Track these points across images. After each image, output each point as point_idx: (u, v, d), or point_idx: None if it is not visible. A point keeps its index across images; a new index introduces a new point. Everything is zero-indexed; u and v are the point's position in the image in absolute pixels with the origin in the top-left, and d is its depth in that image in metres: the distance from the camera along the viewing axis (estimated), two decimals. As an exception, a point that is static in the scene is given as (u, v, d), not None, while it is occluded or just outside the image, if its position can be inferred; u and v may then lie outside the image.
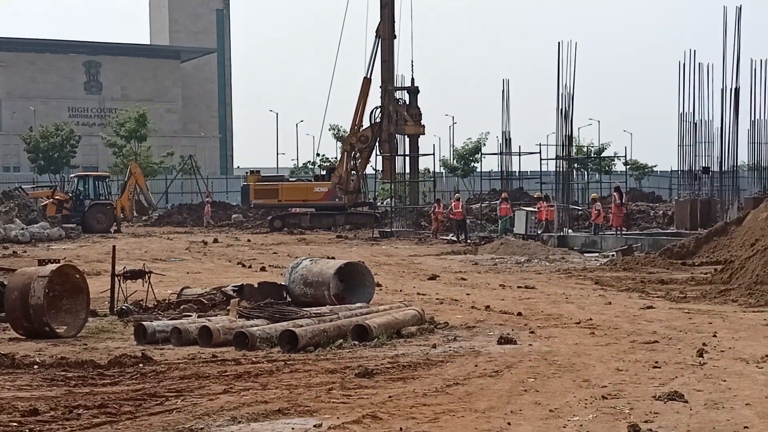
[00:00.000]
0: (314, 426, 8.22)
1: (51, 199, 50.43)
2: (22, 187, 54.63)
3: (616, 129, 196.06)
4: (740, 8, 37.33)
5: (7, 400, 9.36)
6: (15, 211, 43.32)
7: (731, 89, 38.13)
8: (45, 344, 13.20)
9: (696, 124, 39.80)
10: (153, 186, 69.83)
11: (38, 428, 8.29)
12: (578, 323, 14.75)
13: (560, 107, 38.64)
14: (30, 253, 32.49)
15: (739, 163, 42.93)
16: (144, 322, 13.69)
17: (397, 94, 52.49)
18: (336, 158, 67.13)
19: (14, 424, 8.42)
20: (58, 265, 14.96)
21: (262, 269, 25.58)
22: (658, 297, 18.44)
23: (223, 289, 17.21)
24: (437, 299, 18.25)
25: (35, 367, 11.32)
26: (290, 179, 64.02)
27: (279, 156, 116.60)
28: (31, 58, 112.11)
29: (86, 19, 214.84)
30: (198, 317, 14.45)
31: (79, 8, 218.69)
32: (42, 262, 15.92)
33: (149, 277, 17.40)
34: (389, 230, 45.14)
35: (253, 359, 11.78)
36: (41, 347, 12.93)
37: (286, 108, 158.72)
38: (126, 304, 16.32)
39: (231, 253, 32.76)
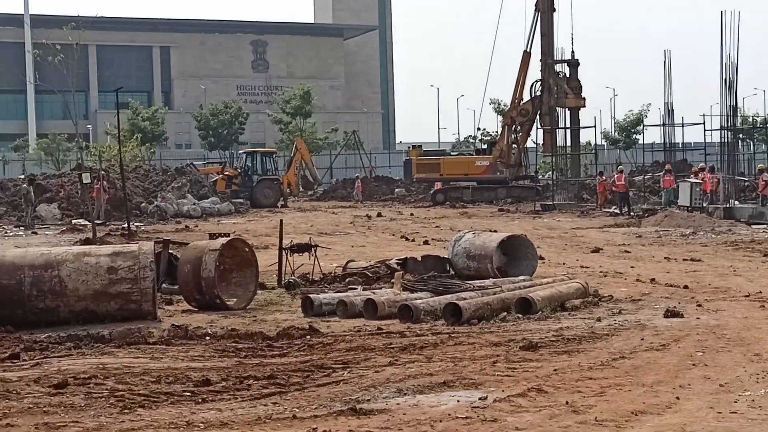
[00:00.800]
0: (479, 398, 8.24)
1: (221, 175, 51.91)
2: (194, 163, 56.56)
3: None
4: None
5: (181, 370, 9.69)
6: (187, 186, 44.83)
7: None
8: (216, 316, 13.65)
9: None
10: (318, 161, 71.01)
11: (210, 398, 8.53)
12: (747, 296, 14.30)
13: (724, 77, 37.30)
14: (201, 228, 33.62)
15: None
16: (311, 295, 13.99)
17: (557, 67, 51.73)
18: (497, 132, 66.76)
19: (187, 393, 8.70)
20: (229, 239, 15.45)
21: (425, 243, 25.71)
22: (836, 271, 17.67)
23: (387, 262, 17.41)
24: (601, 272, 17.98)
25: (207, 338, 11.68)
26: (451, 153, 64.01)
27: (440, 131, 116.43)
28: (200, 39, 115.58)
29: (252, 0, 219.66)
30: (363, 290, 14.66)
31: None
32: (213, 236, 16.47)
33: (315, 251, 17.75)
34: (551, 203, 44.63)
35: (418, 332, 11.88)
36: (212, 319, 13.37)
37: (446, 83, 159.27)
38: (293, 277, 16.70)
39: (394, 227, 33.06)
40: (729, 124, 37.72)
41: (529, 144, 55.81)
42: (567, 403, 8.04)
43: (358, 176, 63.68)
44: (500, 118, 69.05)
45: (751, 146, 69.58)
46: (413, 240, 26.97)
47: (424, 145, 63.50)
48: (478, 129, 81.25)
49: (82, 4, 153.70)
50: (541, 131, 52.16)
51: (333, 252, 21.54)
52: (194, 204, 42.39)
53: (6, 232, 33.40)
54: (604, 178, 43.40)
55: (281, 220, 19.72)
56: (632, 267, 18.94)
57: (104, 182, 39.24)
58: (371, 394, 8.53)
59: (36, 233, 32.90)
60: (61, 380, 9.08)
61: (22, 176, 46.24)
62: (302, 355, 10.54)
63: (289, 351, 10.83)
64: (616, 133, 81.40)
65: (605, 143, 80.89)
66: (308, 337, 11.62)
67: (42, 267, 13.00)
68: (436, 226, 33.26)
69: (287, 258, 17.42)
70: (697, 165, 41.26)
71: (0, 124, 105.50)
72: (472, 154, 59.16)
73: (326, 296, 14.00)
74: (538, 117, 51.85)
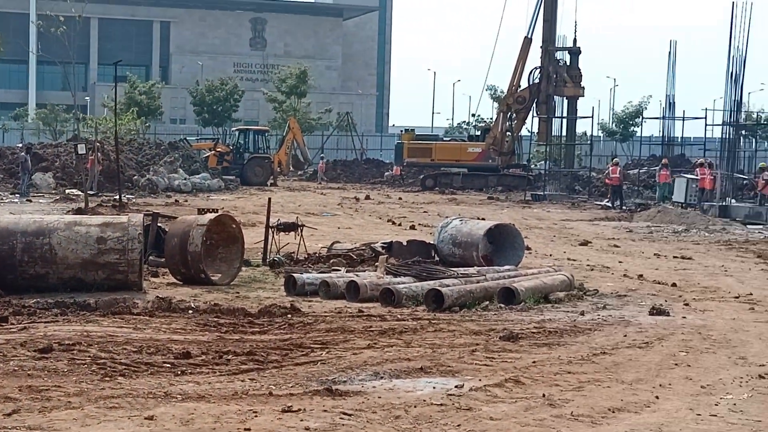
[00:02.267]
0: (455, 386, 8.20)
1: (213, 151, 51.76)
2: (187, 138, 56.34)
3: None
4: None
5: (162, 341, 9.75)
6: (179, 161, 44.72)
7: None
8: (200, 290, 13.63)
9: None
10: (310, 142, 70.83)
11: (189, 371, 8.61)
12: (737, 297, 14.25)
13: (731, 70, 37.14)
14: (190, 203, 33.53)
15: None
16: (294, 274, 13.94)
17: (558, 55, 51.61)
18: (492, 119, 66.65)
19: (167, 365, 8.80)
20: (216, 214, 15.42)
21: (412, 227, 25.67)
22: (823, 274, 17.65)
23: (372, 245, 17.36)
24: (588, 266, 17.94)
25: (190, 312, 11.71)
26: (444, 139, 63.86)
27: (434, 115, 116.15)
28: (200, 15, 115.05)
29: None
30: (347, 272, 14.61)
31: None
32: (201, 212, 16.44)
33: (302, 231, 17.72)
34: (542, 193, 44.57)
35: (398, 316, 11.84)
36: (196, 293, 13.35)
37: (443, 67, 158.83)
38: (278, 256, 16.66)
39: (382, 210, 33.01)
40: (732, 119, 37.58)
41: (524, 132, 55.72)
42: (544, 396, 8.00)
43: (323, 157, 63.60)
44: (496, 104, 68.96)
45: (754, 143, 69.40)
46: (400, 224, 26.92)
47: (417, 130, 63.35)
48: (473, 115, 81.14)
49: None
50: (536, 120, 52.04)
51: (319, 233, 21.50)
52: (185, 179, 42.32)
53: (1, 199, 33.47)
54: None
55: (269, 199, 19.62)
56: (620, 262, 18.89)
57: (98, 154, 39.20)
58: (348, 376, 8.52)
59: (30, 201, 33.05)
60: (46, 345, 9.26)
61: (20, 144, 46.25)
62: (282, 334, 10.52)
63: (270, 329, 10.82)
64: (614, 125, 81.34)
65: (602, 134, 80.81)
66: (289, 315, 11.62)
67: (34, 234, 13.21)
68: (424, 212, 33.21)
69: (273, 236, 17.37)
70: (698, 160, 40.94)
71: (2, 93, 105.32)
72: (465, 140, 59.02)
73: (309, 276, 13.95)
74: (534, 105, 51.72)
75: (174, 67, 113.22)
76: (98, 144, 41.21)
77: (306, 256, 16.94)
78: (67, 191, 36.88)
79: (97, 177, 38.23)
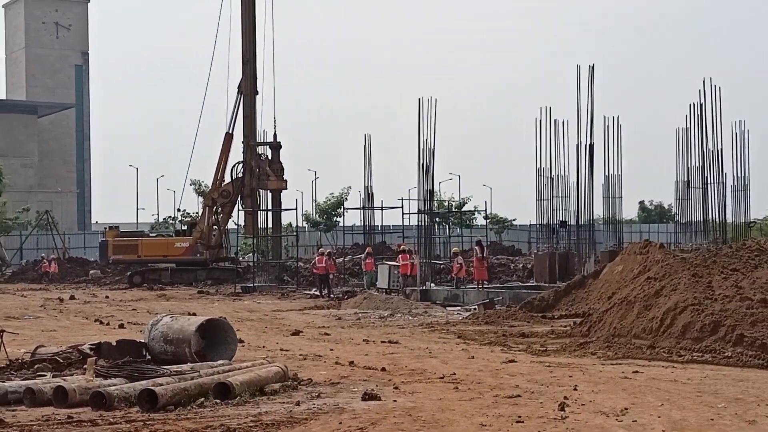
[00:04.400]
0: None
1: None
2: None
3: (476, 183, 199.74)
4: (593, 67, 38.71)
5: None
6: None
7: (586, 145, 39.34)
8: None
9: (553, 179, 40.85)
10: (7, 242, 67.61)
11: None
12: (442, 378, 14.79)
13: (422, 162, 39.25)
14: None
15: (595, 217, 44.21)
16: (-5, 384, 13.10)
17: (260, 149, 52.33)
18: (197, 213, 66.27)
19: None
20: None
21: (121, 326, 24.93)
22: (519, 350, 18.71)
23: (79, 347, 16.64)
24: (301, 355, 18.08)
25: None
26: (150, 234, 62.85)
27: (139, 211, 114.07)
28: None
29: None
30: (53, 377, 13.92)
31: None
32: None
33: (2, 336, 16.74)
34: (252, 285, 44.73)
35: (111, 420, 11.41)
36: None
37: (146, 163, 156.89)
38: (-25, 365, 15.61)
39: (88, 310, 31.85)
40: (426, 207, 39.52)
41: (230, 225, 55.79)
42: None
43: (51, 257, 61.18)
44: (201, 199, 68.69)
45: (447, 229, 73.15)
46: (108, 324, 26.08)
47: (122, 226, 61.96)
48: (179, 210, 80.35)
49: None
50: (242, 213, 52.30)
51: (21, 337, 20.48)
52: None
53: None
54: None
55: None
56: (332, 350, 19.17)
57: None
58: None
59: None
60: None
61: None
62: (-17, 450, 9.83)
63: (-31, 445, 10.08)
64: (318, 216, 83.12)
65: (306, 225, 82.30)
66: (-9, 429, 10.88)
67: None
68: (133, 309, 32.38)
69: (-30, 344, 16.29)
70: (400, 246, 42.45)
71: None
72: (172, 235, 58.33)
73: (12, 383, 13.17)
74: (239, 198, 51.99)
75: None
76: None
77: (8, 362, 15.98)
78: None
79: None
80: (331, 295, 38.27)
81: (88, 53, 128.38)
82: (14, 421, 11.40)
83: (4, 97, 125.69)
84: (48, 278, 56.45)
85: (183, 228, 60.64)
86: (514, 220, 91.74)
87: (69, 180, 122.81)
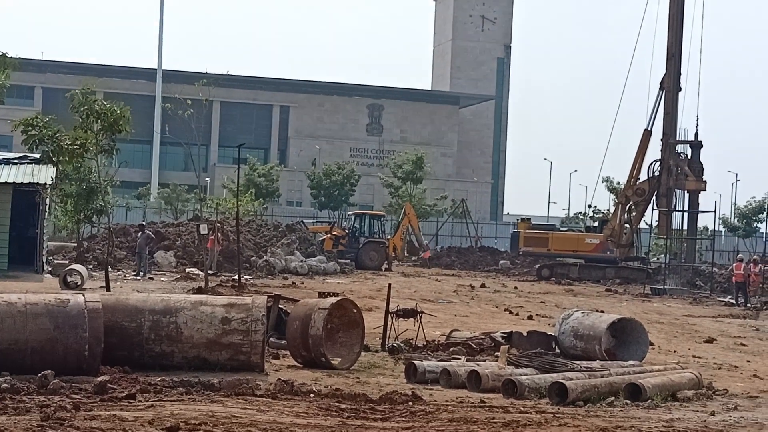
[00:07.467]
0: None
1: (329, 234, 52.25)
2: (304, 221, 57.12)
3: None
4: None
5: (285, 425, 9.76)
6: (296, 243, 45.25)
7: None
8: (321, 374, 13.64)
9: None
10: (424, 228, 70.99)
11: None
12: None
13: None
14: (307, 285, 33.81)
15: None
16: (415, 362, 13.85)
17: (679, 148, 50.92)
18: (608, 210, 65.83)
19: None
20: (338, 299, 15.47)
21: (530, 318, 25.33)
22: None
23: (492, 334, 17.19)
24: (715, 364, 17.38)
25: (312, 395, 11.70)
26: (561, 229, 63.32)
27: (550, 205, 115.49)
28: (319, 100, 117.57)
29: (371, 65, 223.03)
30: (467, 361, 14.46)
31: (365, 53, 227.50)
32: (322, 295, 16.51)
33: (421, 317, 17.64)
34: (662, 287, 43.60)
35: (521, 408, 11.62)
36: (317, 377, 13.36)
37: (560, 157, 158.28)
38: (397, 342, 16.60)
39: (498, 299, 32.69)
40: None
41: (642, 225, 54.84)
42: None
43: (428, 246, 63.79)
44: (613, 196, 68.20)
45: None
46: (517, 314, 26.60)
47: (532, 219, 62.95)
48: (589, 206, 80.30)
49: (211, 62, 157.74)
50: (656, 212, 51.22)
51: (436, 320, 21.37)
52: (302, 261, 42.69)
53: (125, 277, 34.23)
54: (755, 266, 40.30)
55: (389, 284, 19.67)
56: (748, 361, 18.25)
57: (219, 234, 39.76)
58: (474, 469, 8.34)
59: (152, 279, 33.76)
60: (173, 424, 9.42)
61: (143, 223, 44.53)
62: (404, 422, 10.41)
63: (392, 416, 10.72)
64: (736, 220, 79.55)
65: (724, 229, 79.04)
66: (411, 403, 11.51)
67: (161, 312, 13.44)
68: (541, 302, 32.77)
69: (392, 322, 17.33)
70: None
71: (126, 172, 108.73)
72: (582, 231, 58.38)
73: (430, 364, 13.85)
74: (654, 197, 50.97)
75: (292, 150, 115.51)
76: (218, 224, 41.88)
77: (425, 343, 16.85)
78: (187, 270, 37.56)
79: (216, 257, 38.81)
80: (748, 305, 36.43)
81: (510, 46, 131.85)
82: (431, 399, 11.95)
83: (429, 88, 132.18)
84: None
85: (594, 224, 60.57)
86: None
87: (485, 170, 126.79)
